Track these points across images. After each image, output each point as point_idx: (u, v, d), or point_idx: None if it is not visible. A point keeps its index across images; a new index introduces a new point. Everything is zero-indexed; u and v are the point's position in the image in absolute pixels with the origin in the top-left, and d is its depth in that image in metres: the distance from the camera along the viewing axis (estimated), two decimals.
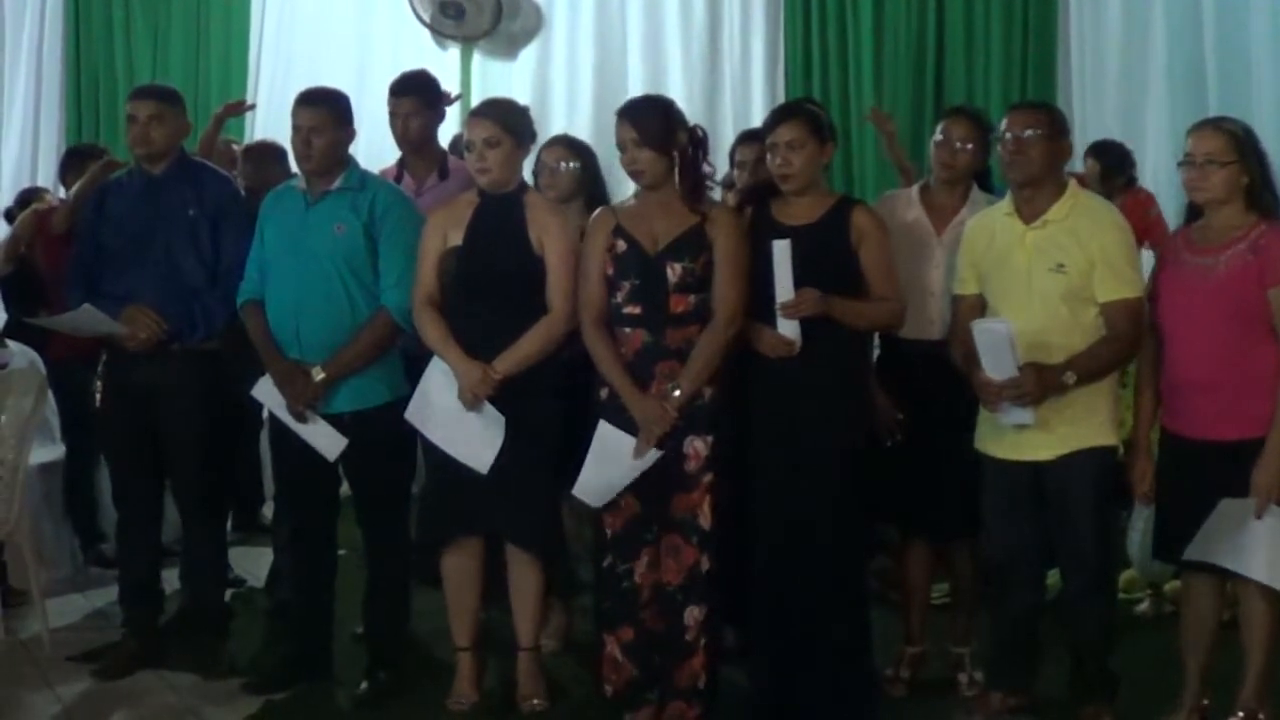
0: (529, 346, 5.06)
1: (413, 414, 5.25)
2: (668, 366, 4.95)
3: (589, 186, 5.82)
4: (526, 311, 5.09)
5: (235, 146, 7.92)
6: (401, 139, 6.19)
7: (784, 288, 4.86)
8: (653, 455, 4.92)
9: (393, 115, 6.17)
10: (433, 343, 5.15)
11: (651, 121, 5.01)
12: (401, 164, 6.18)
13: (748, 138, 6.13)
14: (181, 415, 5.64)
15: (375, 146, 6.22)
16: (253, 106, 8.87)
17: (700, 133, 5.11)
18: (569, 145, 5.98)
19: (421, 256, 5.22)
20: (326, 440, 5.33)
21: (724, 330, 4.93)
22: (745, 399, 5.02)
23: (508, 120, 5.20)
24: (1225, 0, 9.58)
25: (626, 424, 4.96)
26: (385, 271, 5.31)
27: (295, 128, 5.38)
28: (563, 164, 5.82)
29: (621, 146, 5.02)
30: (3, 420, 6.17)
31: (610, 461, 4.96)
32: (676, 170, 5.02)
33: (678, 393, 4.90)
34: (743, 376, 5.01)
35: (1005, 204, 4.98)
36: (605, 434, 4.99)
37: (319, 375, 5.26)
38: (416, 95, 6.20)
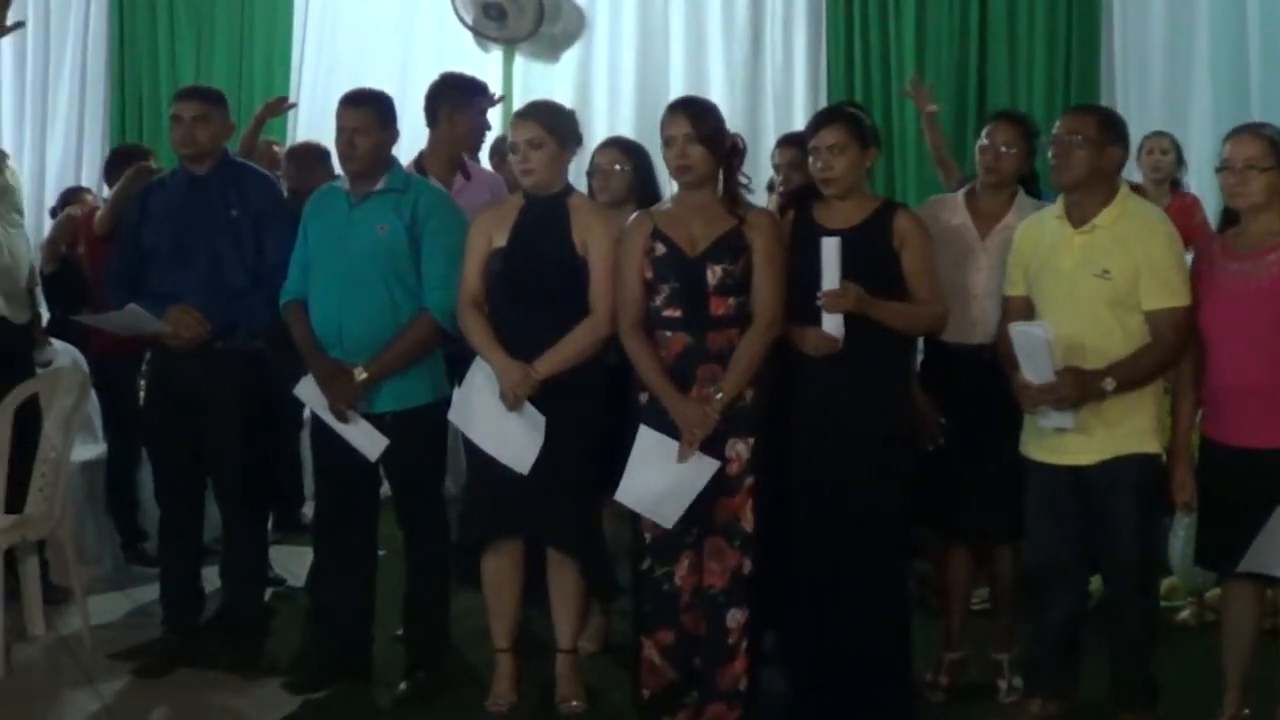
0: (570, 348, 5.06)
1: (455, 414, 5.26)
2: (709, 369, 4.94)
3: (641, 189, 5.80)
4: (569, 314, 5.09)
5: (277, 148, 7.96)
6: (481, 140, 6.33)
7: (831, 284, 4.86)
8: (710, 466, 4.93)
9: (481, 116, 6.23)
10: (476, 343, 5.15)
11: (708, 119, 5.02)
12: (419, 165, 6.14)
13: (788, 141, 6.12)
14: (224, 414, 5.66)
15: (418, 148, 6.21)
16: (293, 105, 8.89)
17: (741, 143, 5.11)
18: (623, 147, 5.98)
19: (467, 257, 5.23)
20: (368, 440, 5.34)
21: (765, 333, 4.93)
22: (786, 401, 5.01)
23: (552, 122, 5.20)
24: (1270, 2, 9.52)
25: (667, 428, 4.96)
26: (428, 272, 5.32)
27: (339, 128, 5.39)
28: (617, 166, 5.82)
29: (669, 141, 5.01)
30: (47, 418, 6.20)
31: (654, 466, 4.96)
32: (721, 174, 5.03)
33: (719, 396, 4.90)
34: (784, 379, 5.01)
35: (1057, 207, 4.95)
36: (647, 438, 4.99)
37: (361, 375, 5.27)
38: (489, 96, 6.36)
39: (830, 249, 4.85)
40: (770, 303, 4.94)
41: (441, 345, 5.41)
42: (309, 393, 5.39)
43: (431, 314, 5.31)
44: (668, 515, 4.96)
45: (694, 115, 5.01)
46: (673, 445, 4.95)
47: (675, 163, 5.02)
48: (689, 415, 4.91)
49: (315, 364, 5.35)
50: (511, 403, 5.06)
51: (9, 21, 6.23)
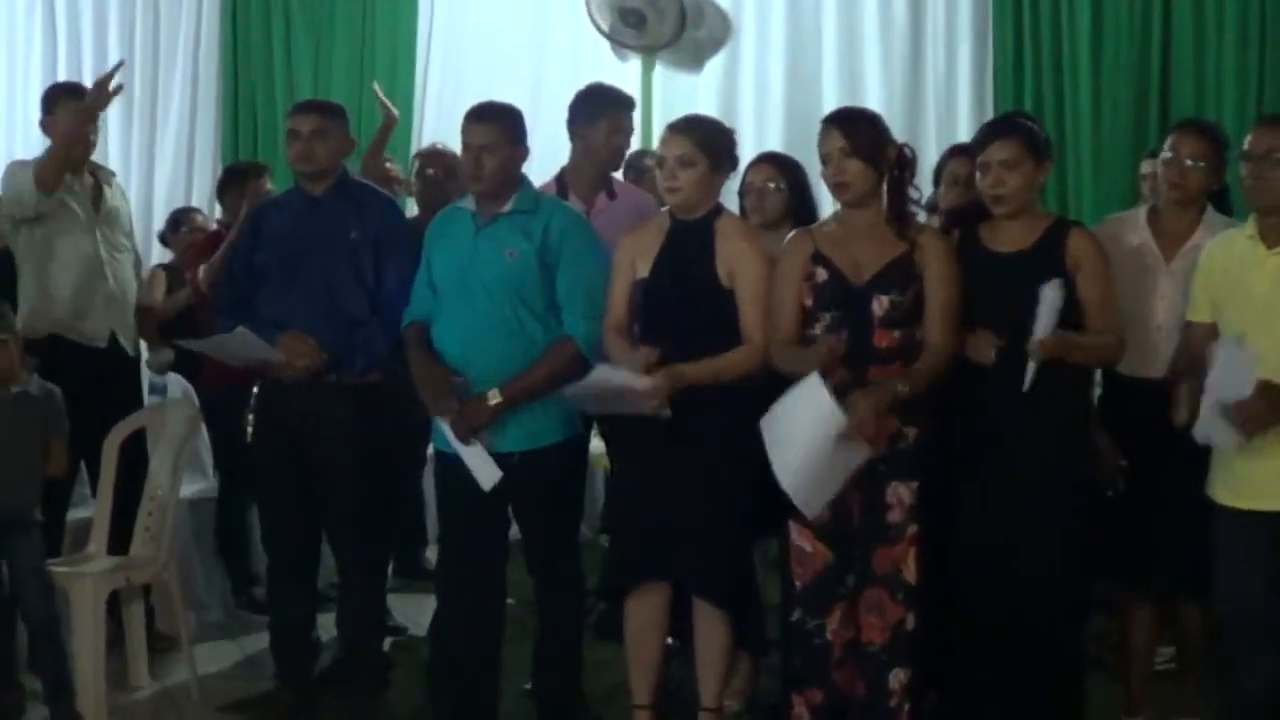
0: (722, 363, 5.02)
1: (572, 390, 5.16)
2: None
3: (798, 208, 5.78)
4: (713, 350, 5.04)
5: (391, 166, 8.00)
6: (618, 157, 6.34)
7: (1044, 332, 4.78)
8: (863, 454, 4.79)
9: (616, 133, 6.23)
10: (622, 362, 5.11)
11: (862, 130, 4.99)
12: (561, 182, 6.17)
13: (959, 152, 6.05)
14: (339, 451, 5.70)
15: (550, 166, 6.23)
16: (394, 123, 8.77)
17: (909, 153, 5.07)
18: (778, 163, 5.96)
19: (612, 283, 5.25)
20: (483, 468, 5.32)
21: (939, 364, 4.87)
22: (953, 443, 4.97)
23: (706, 139, 5.18)
24: None
25: None
26: (568, 300, 5.30)
27: (465, 146, 5.39)
28: (771, 184, 5.81)
29: (826, 158, 4.99)
30: (154, 453, 6.29)
31: (802, 421, 4.79)
32: (884, 189, 4.99)
33: (902, 388, 4.80)
34: (950, 420, 4.96)
35: (1249, 226, 4.85)
36: (812, 390, 4.78)
37: (495, 400, 5.25)
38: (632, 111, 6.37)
39: (1051, 298, 4.78)
40: (943, 335, 4.89)
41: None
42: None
43: (576, 344, 5.28)
44: (811, 499, 4.85)
45: (848, 128, 4.98)
46: (833, 409, 4.75)
47: (832, 180, 5.00)
48: (859, 404, 4.79)
49: (429, 376, 5.33)
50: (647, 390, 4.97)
51: (113, 84, 6.39)
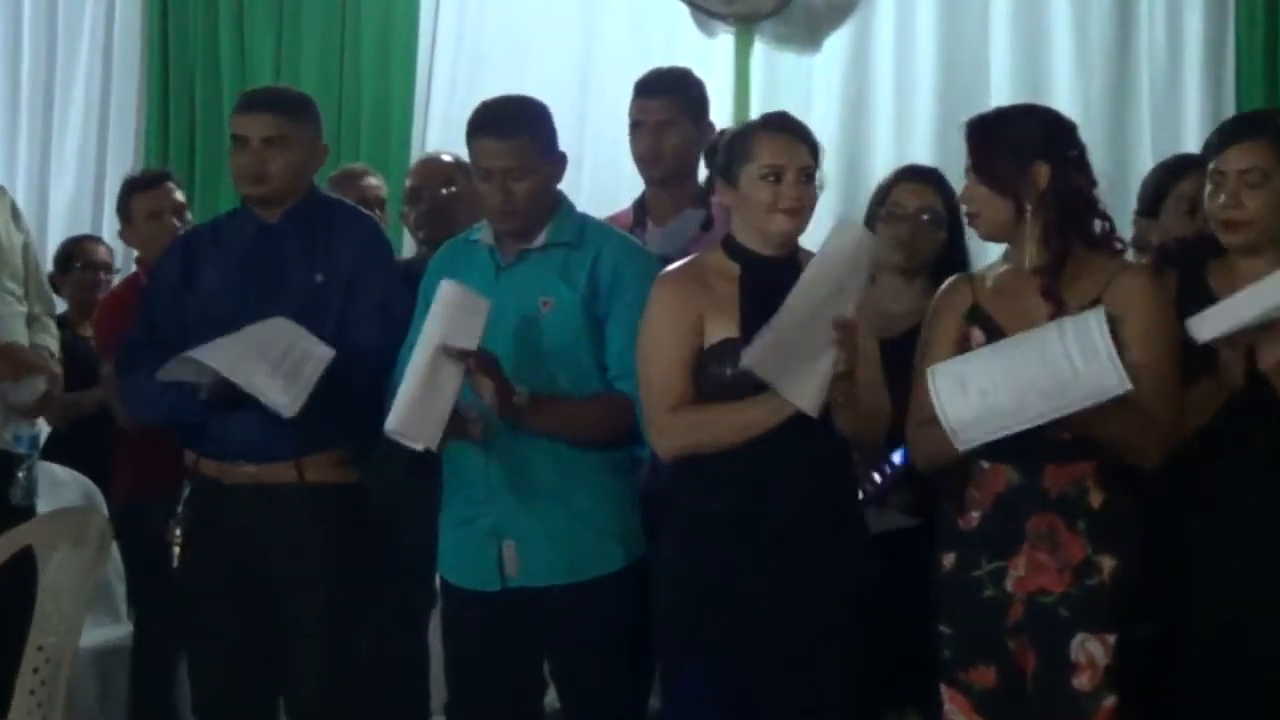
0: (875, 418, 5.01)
1: (751, 358, 4.91)
2: (1044, 522, 4.87)
3: (948, 247, 5.81)
4: (835, 440, 5.01)
5: (374, 180, 8.02)
6: (648, 159, 6.28)
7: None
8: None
9: (636, 125, 6.25)
10: (705, 425, 5.01)
11: (993, 141, 4.98)
12: (641, 206, 6.19)
13: (1192, 165, 6.02)
14: (305, 582, 5.72)
15: (604, 179, 6.24)
16: None
17: (1072, 169, 4.96)
18: (940, 187, 5.92)
19: (663, 351, 5.07)
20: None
21: (1151, 429, 4.80)
22: (1174, 573, 4.95)
23: (815, 144, 5.14)
24: None
25: (990, 610, 4.91)
26: (621, 359, 5.26)
27: (483, 171, 5.35)
28: (928, 216, 5.81)
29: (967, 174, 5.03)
30: (44, 584, 6.31)
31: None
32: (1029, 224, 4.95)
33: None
34: (1173, 549, 4.93)
35: None
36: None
37: (522, 398, 5.14)
38: (675, 97, 6.31)
39: None
40: (1160, 395, 4.81)
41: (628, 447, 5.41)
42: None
43: (630, 401, 5.24)
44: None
45: (974, 137, 5.01)
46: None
47: (964, 208, 5.08)
48: None
49: None
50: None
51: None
